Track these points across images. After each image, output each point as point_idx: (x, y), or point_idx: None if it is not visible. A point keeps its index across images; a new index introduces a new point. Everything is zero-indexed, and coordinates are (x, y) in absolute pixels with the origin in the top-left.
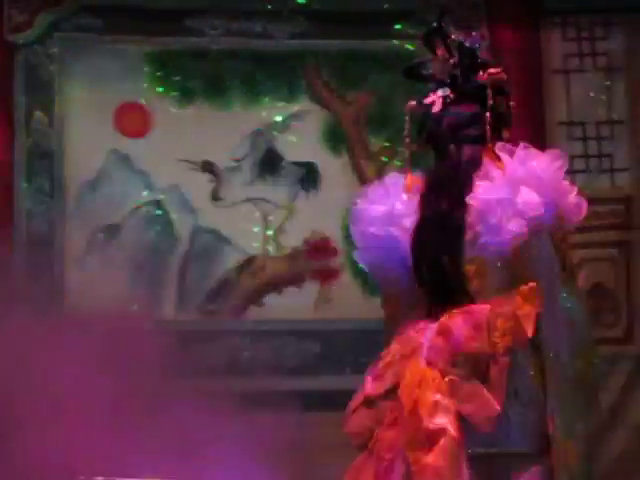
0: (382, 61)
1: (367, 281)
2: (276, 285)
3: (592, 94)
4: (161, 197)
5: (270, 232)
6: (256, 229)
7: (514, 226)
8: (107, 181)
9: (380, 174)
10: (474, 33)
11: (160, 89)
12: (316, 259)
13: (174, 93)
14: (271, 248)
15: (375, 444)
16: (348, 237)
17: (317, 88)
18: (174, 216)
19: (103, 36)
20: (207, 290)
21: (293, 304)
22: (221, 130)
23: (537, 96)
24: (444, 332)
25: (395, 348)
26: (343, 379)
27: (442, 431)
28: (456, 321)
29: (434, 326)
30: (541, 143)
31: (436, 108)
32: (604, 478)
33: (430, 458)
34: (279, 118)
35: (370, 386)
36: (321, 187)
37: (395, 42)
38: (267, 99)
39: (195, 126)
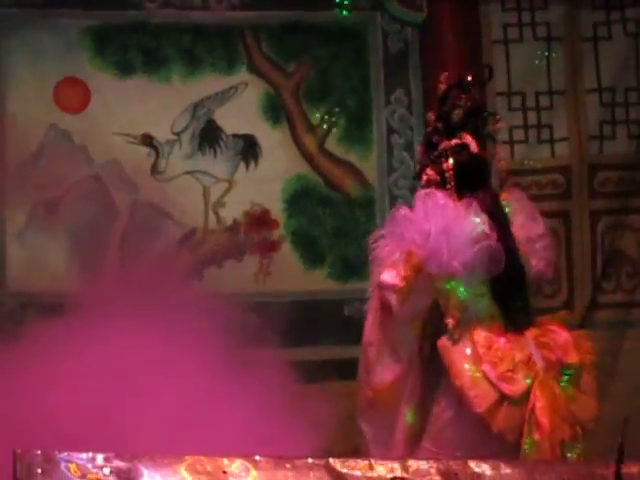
0: (321, 32)
1: (305, 253)
2: (216, 258)
3: (531, 64)
4: (100, 171)
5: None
6: (196, 202)
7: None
8: (47, 156)
9: (320, 146)
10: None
11: (99, 63)
12: (256, 232)
13: (113, 67)
14: (211, 221)
15: None
16: (287, 209)
17: (256, 60)
18: (113, 190)
19: (42, 11)
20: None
21: (233, 277)
22: (160, 103)
23: (477, 67)
24: (546, 346)
25: (509, 353)
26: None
27: None
28: (550, 338)
29: (527, 339)
30: None
31: (473, 148)
32: None
33: None
34: (218, 90)
35: (506, 387)
36: (261, 159)
37: (334, 12)
38: (206, 71)
39: (134, 100)
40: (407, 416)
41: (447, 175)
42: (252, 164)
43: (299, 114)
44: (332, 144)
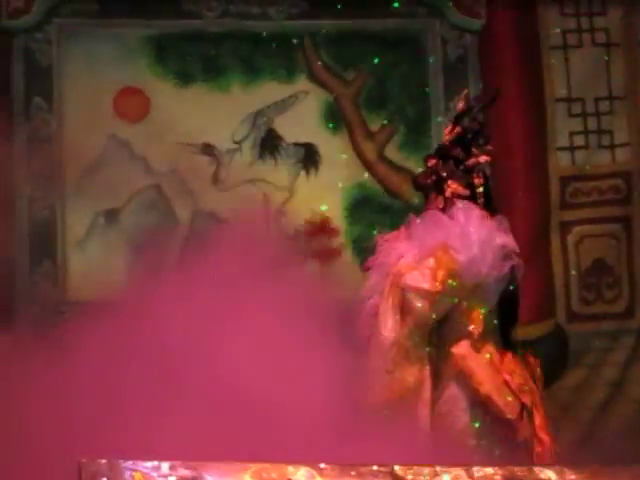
0: (380, 40)
1: (366, 261)
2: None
3: (591, 70)
4: (160, 181)
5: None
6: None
7: None
8: (106, 165)
9: (379, 153)
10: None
11: (159, 72)
12: (316, 239)
13: (172, 76)
14: (272, 230)
15: None
16: (347, 217)
17: (316, 68)
18: (174, 200)
19: (101, 20)
20: None
21: None
22: (220, 112)
23: (536, 73)
24: (538, 379)
25: (517, 367)
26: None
27: None
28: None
29: (516, 367)
30: (541, 120)
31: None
32: (605, 452)
33: None
34: (278, 99)
35: (525, 398)
36: (321, 167)
37: (393, 21)
38: (266, 80)
39: (194, 109)
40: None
41: (478, 191)
42: (312, 172)
43: (358, 122)
44: (391, 151)
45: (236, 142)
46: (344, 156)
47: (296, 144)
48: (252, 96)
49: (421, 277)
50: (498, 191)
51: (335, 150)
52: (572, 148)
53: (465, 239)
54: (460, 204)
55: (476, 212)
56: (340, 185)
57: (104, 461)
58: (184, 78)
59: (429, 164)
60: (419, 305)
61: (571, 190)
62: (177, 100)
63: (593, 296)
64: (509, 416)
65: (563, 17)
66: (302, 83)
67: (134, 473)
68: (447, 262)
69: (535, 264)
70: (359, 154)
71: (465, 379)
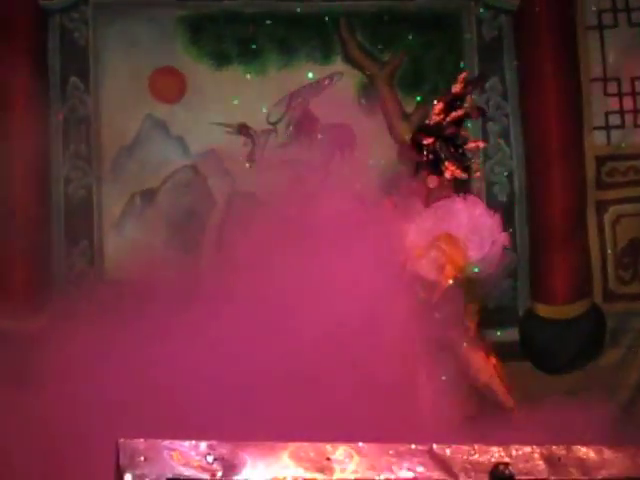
0: (415, 21)
1: None
2: None
3: (627, 50)
4: (197, 161)
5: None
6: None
7: None
8: (143, 146)
9: None
10: None
11: (194, 53)
12: None
13: (208, 57)
14: None
15: None
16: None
17: (351, 49)
18: (210, 180)
19: (136, 1)
20: None
21: None
22: (256, 93)
23: (571, 53)
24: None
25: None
26: None
27: None
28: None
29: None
30: (576, 100)
31: None
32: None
33: None
34: (313, 80)
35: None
36: (356, 148)
37: (428, 1)
38: (301, 61)
39: (230, 89)
40: None
41: (476, 175)
42: (347, 153)
43: (393, 102)
44: None
45: (271, 123)
46: (379, 137)
47: (331, 125)
48: (287, 77)
49: (430, 266)
50: (535, 171)
51: (370, 131)
52: (608, 127)
53: (486, 237)
54: (462, 197)
55: (482, 207)
56: (375, 166)
57: (142, 440)
58: (220, 59)
59: (425, 142)
60: (422, 295)
61: (607, 170)
62: (213, 81)
63: (629, 275)
64: (510, 405)
65: None
66: (337, 64)
67: (172, 452)
68: (457, 256)
69: (572, 244)
70: (394, 135)
71: (463, 367)
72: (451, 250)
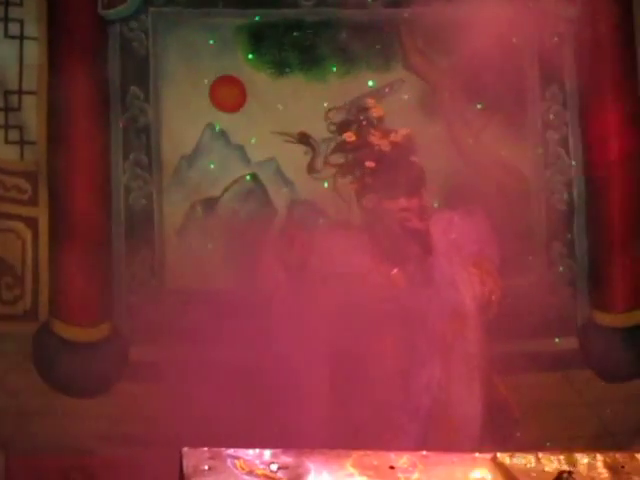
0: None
1: None
2: None
3: None
4: (257, 170)
5: None
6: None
7: None
8: (203, 155)
9: (477, 141)
10: None
11: (254, 62)
12: None
13: (268, 66)
14: None
15: None
16: (444, 205)
17: (412, 56)
18: (271, 189)
19: (196, 10)
20: None
21: None
22: (316, 101)
23: (631, 59)
24: None
25: None
26: None
27: None
28: None
29: None
30: (637, 107)
31: None
32: None
33: None
34: (375, 88)
35: None
36: (418, 156)
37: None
38: (362, 69)
39: (290, 98)
40: None
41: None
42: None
43: (454, 109)
44: (487, 138)
45: (332, 132)
46: (440, 144)
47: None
48: (348, 85)
49: (471, 282)
50: (594, 180)
51: (432, 138)
52: None
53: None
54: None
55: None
56: (437, 173)
57: (206, 449)
58: (280, 67)
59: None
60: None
61: None
62: (273, 89)
63: None
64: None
65: None
66: (398, 71)
67: (236, 461)
68: (492, 276)
69: (631, 252)
70: (456, 142)
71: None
72: (489, 268)
